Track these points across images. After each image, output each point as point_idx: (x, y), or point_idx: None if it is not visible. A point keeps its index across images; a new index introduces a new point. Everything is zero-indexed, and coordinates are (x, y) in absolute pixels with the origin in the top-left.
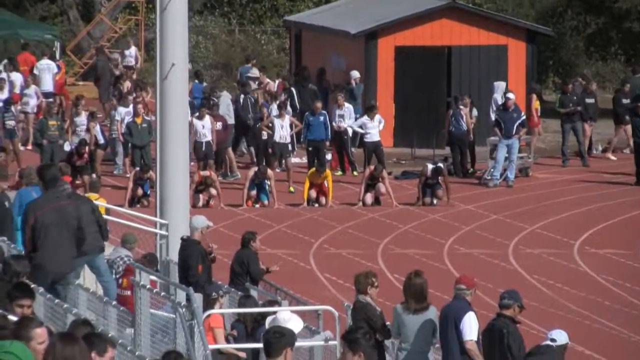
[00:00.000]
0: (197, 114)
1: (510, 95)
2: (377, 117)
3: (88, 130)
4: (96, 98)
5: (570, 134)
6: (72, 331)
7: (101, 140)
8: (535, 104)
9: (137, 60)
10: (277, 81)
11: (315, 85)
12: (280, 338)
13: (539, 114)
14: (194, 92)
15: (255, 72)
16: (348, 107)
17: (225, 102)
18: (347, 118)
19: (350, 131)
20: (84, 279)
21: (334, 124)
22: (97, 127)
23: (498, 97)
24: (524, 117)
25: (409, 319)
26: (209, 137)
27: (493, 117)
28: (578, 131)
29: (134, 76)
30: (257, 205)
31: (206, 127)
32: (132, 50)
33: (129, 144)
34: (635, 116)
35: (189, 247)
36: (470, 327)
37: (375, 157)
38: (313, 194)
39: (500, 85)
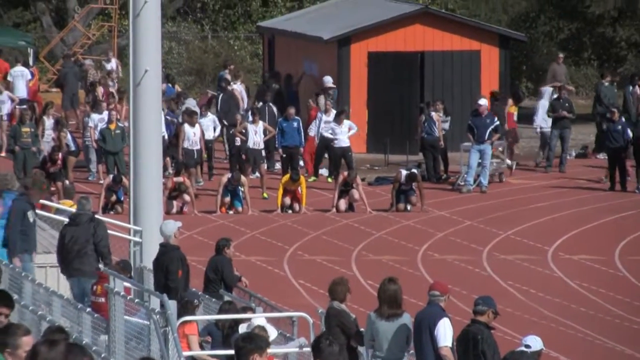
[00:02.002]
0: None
1: (482, 101)
2: (347, 122)
3: (58, 138)
4: None
5: (557, 139)
6: (53, 337)
7: (72, 147)
8: (511, 109)
9: (118, 71)
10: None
11: (286, 90)
12: (248, 343)
13: (514, 118)
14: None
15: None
16: (334, 113)
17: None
18: None
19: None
20: (57, 286)
21: (321, 132)
22: (68, 135)
23: (546, 103)
24: (497, 123)
25: (382, 325)
26: (199, 145)
27: (539, 124)
28: (565, 138)
29: (115, 86)
30: (231, 212)
31: (197, 135)
32: (113, 63)
33: (102, 150)
34: (610, 122)
35: (168, 252)
36: (445, 333)
37: (345, 164)
38: (287, 200)
39: (547, 91)
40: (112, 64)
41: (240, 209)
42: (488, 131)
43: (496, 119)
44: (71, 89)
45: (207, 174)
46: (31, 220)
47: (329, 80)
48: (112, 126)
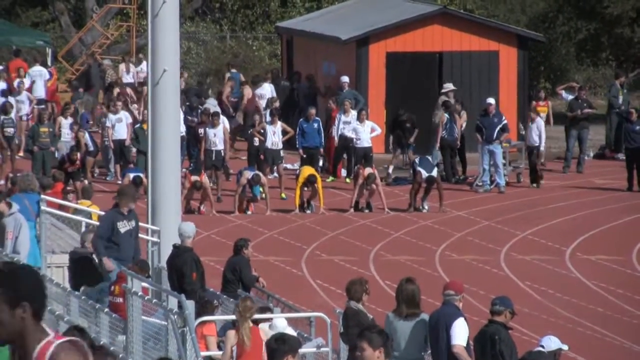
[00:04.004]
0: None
1: (490, 101)
2: (369, 123)
3: (76, 138)
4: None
5: (575, 139)
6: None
7: (91, 148)
8: (540, 109)
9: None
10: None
11: (305, 90)
12: (282, 345)
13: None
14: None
15: None
16: (354, 114)
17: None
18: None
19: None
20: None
21: (342, 131)
22: (87, 135)
23: None
24: (505, 122)
25: (400, 325)
26: (219, 147)
27: None
28: (583, 139)
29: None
30: (249, 212)
31: (218, 136)
32: (144, 66)
33: (120, 151)
34: (627, 122)
35: (181, 254)
36: (460, 333)
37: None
38: (306, 194)
39: None
40: (143, 67)
41: (258, 198)
42: (496, 130)
43: (504, 118)
44: (98, 89)
45: (224, 174)
46: (122, 230)
47: (345, 80)
48: (146, 126)
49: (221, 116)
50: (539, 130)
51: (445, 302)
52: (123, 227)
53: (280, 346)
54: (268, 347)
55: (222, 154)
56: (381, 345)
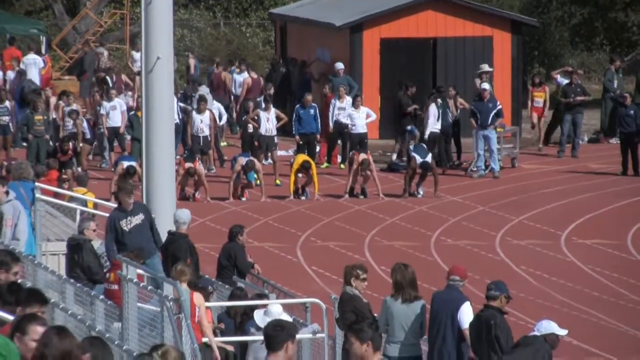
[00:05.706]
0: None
1: (486, 86)
2: (364, 109)
3: (75, 125)
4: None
5: (569, 124)
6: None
7: (88, 135)
8: (538, 94)
9: None
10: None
11: (298, 77)
12: (281, 331)
13: (534, 104)
14: None
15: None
16: (349, 100)
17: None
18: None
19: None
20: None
21: (337, 117)
22: (84, 123)
23: None
24: (500, 107)
25: (398, 309)
26: (206, 132)
27: None
28: (578, 123)
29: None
30: (244, 199)
31: (204, 122)
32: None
33: (115, 138)
34: (622, 106)
35: (176, 240)
36: (469, 316)
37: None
38: (301, 180)
39: None
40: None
41: (252, 183)
42: (491, 116)
43: (499, 103)
44: (92, 76)
45: (218, 161)
46: (126, 229)
47: (339, 67)
48: (140, 113)
49: (217, 106)
50: (434, 118)
51: (449, 286)
52: (127, 224)
53: (279, 333)
54: (266, 335)
55: (209, 139)
56: (369, 339)
